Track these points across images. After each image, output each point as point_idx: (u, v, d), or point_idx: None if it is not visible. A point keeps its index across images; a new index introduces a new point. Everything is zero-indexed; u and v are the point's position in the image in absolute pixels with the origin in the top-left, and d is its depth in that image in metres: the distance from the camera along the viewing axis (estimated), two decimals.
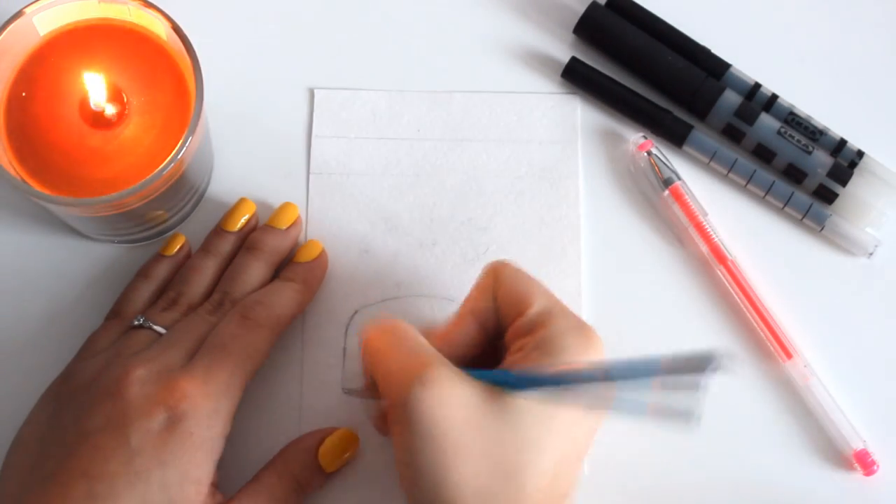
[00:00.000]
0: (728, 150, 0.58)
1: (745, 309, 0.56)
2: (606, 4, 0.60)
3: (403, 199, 0.58)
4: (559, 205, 0.58)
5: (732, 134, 0.59)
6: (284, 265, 0.56)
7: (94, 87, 0.51)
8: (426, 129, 0.59)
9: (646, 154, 0.58)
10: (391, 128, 0.59)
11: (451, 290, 0.57)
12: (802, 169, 0.58)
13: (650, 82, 0.60)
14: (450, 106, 0.59)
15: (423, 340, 0.48)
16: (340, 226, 0.58)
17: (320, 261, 0.56)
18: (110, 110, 0.51)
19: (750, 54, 0.60)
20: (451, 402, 0.44)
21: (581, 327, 0.47)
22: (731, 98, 0.58)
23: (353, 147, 0.59)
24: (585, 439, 0.47)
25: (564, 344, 0.46)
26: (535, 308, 0.48)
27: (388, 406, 0.47)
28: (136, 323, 0.52)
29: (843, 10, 0.61)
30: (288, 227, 0.56)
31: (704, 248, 0.57)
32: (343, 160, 0.58)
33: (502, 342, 0.50)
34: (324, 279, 0.56)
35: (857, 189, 0.58)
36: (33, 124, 0.51)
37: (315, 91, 0.59)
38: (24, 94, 0.51)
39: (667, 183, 0.58)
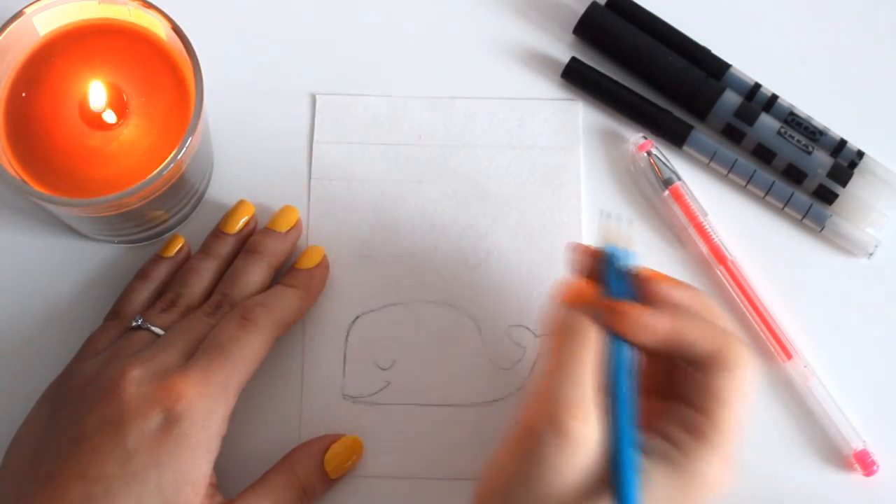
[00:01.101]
0: (728, 151, 0.58)
1: (745, 309, 0.56)
2: (606, 4, 0.60)
3: (405, 205, 0.58)
4: (561, 211, 0.58)
5: (732, 134, 0.59)
6: (284, 269, 0.56)
7: (96, 94, 0.51)
8: (428, 135, 0.59)
9: (646, 154, 0.58)
10: (393, 133, 0.59)
11: (452, 295, 0.57)
12: (802, 169, 0.58)
13: (650, 82, 0.60)
14: (451, 112, 0.59)
15: (586, 374, 0.45)
16: (341, 231, 0.58)
17: (322, 267, 0.56)
18: (110, 111, 0.51)
19: (750, 54, 0.60)
20: (565, 471, 0.43)
21: (721, 485, 0.45)
22: (731, 98, 0.58)
23: (355, 152, 0.59)
24: None
25: (697, 484, 0.45)
26: (716, 425, 0.45)
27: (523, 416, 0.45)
28: (135, 324, 0.52)
29: (842, 10, 0.61)
30: (288, 231, 0.56)
31: (704, 249, 0.57)
32: (344, 165, 0.58)
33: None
34: (325, 285, 0.56)
35: (857, 189, 0.58)
36: (33, 124, 0.51)
37: (317, 97, 0.59)
38: (24, 94, 0.51)
39: (667, 183, 0.58)
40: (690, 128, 0.59)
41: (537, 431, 0.44)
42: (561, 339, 0.46)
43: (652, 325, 0.46)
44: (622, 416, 0.45)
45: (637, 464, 0.44)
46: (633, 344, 0.46)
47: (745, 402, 0.46)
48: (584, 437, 0.43)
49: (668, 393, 0.47)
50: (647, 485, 0.44)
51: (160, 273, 0.55)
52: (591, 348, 0.45)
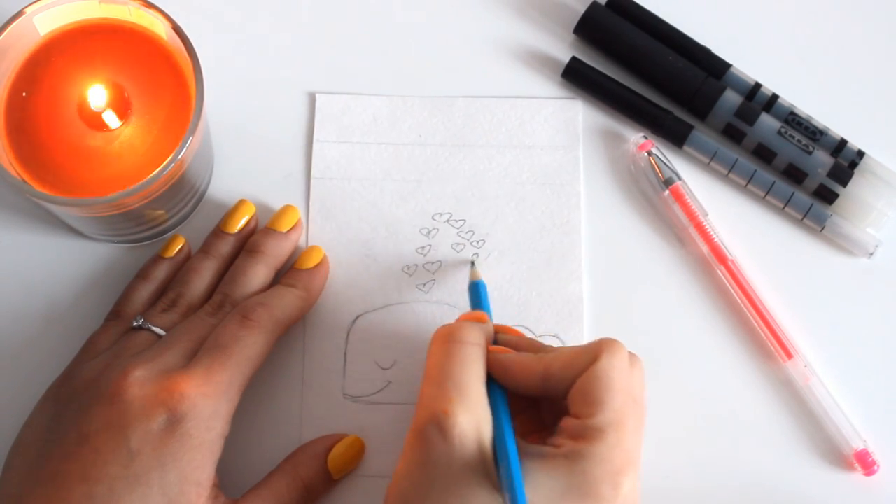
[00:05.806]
0: (728, 150, 0.58)
1: (745, 309, 0.56)
2: (607, 4, 0.60)
3: (405, 205, 0.58)
4: (560, 211, 0.58)
5: (733, 134, 0.59)
6: (285, 269, 0.56)
7: (96, 96, 0.51)
8: (428, 135, 0.59)
9: (646, 154, 0.58)
10: (392, 133, 0.59)
11: (452, 295, 0.57)
12: (803, 169, 0.58)
13: (650, 82, 0.60)
14: (451, 111, 0.59)
15: (468, 372, 0.47)
16: (341, 231, 0.58)
17: (322, 267, 0.56)
18: (111, 111, 0.51)
19: (750, 54, 0.60)
20: (451, 462, 0.45)
21: (614, 473, 0.45)
22: (731, 98, 0.58)
23: (355, 152, 0.59)
24: None
25: (587, 479, 0.45)
26: (594, 420, 0.46)
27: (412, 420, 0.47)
28: (136, 324, 0.52)
29: (842, 10, 0.61)
30: (288, 231, 0.56)
31: (705, 248, 0.57)
32: (344, 165, 0.58)
33: (546, 408, 0.50)
34: (325, 285, 0.56)
35: (858, 189, 0.58)
36: (33, 124, 0.51)
37: (316, 96, 0.59)
38: (24, 94, 0.51)
39: (667, 183, 0.58)
40: (691, 127, 0.59)
41: (423, 431, 0.45)
42: (444, 343, 0.48)
43: (529, 366, 0.48)
44: (501, 410, 0.47)
45: (519, 458, 0.45)
46: (511, 388, 0.48)
47: (618, 389, 0.46)
48: (466, 430, 0.45)
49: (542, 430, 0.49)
50: (532, 482, 0.45)
51: (161, 273, 0.55)
52: (475, 350, 0.47)
